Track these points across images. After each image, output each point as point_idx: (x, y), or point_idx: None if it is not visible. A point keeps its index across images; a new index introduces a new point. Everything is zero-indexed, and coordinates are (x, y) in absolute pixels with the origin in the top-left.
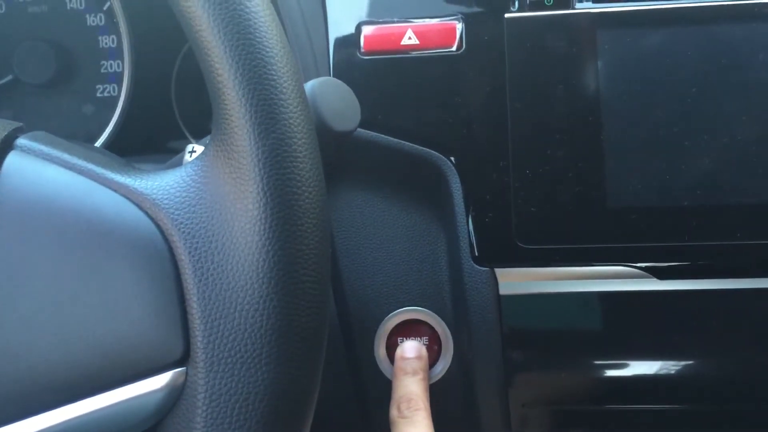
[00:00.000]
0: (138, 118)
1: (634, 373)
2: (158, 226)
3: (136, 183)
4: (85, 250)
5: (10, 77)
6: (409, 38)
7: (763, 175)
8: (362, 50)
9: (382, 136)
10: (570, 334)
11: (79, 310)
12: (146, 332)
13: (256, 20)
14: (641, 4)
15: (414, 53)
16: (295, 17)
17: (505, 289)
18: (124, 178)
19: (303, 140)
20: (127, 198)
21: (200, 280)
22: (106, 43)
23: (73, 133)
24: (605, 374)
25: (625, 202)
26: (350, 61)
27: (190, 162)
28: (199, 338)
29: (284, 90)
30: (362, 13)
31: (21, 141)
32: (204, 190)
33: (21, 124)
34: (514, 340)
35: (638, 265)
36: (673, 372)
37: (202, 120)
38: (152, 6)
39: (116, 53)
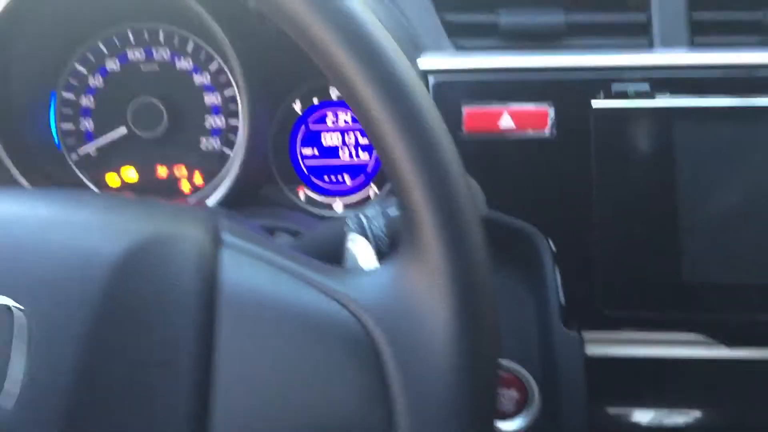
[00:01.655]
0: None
1: None
2: (361, 323)
3: (339, 285)
4: (299, 343)
5: (124, 131)
6: (506, 121)
7: None
8: (464, 130)
9: None
10: (650, 395)
11: (299, 393)
12: (356, 409)
13: (440, 144)
14: (716, 98)
15: (510, 135)
16: None
17: (591, 351)
18: (327, 280)
19: (481, 250)
20: (332, 298)
21: (400, 369)
22: (210, 101)
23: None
24: None
25: (700, 276)
26: (453, 140)
27: (384, 265)
28: (402, 413)
29: (466, 209)
30: (463, 96)
31: (228, 238)
32: (399, 291)
33: (220, 214)
34: (599, 397)
35: (709, 333)
36: None
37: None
38: (258, 65)
39: (219, 110)
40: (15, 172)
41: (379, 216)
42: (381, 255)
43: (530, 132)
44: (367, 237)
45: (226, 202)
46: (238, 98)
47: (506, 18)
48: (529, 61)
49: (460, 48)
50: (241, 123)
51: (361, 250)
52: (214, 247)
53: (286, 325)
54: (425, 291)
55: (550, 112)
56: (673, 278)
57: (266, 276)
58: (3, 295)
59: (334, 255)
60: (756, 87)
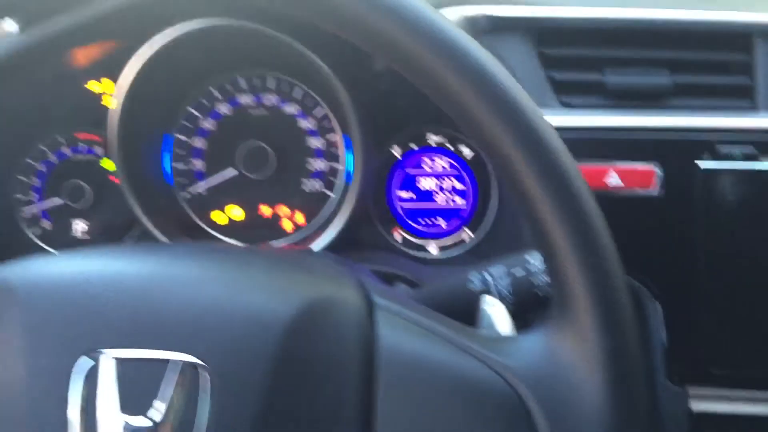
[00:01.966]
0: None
1: None
2: (516, 392)
3: (493, 352)
4: (456, 408)
5: (234, 172)
6: (614, 178)
7: None
8: None
9: None
10: None
11: None
12: None
13: (596, 223)
14: None
15: (617, 192)
16: None
17: (696, 407)
18: (480, 346)
19: (631, 320)
20: (487, 365)
21: None
22: (314, 144)
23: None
24: None
25: None
26: None
27: (534, 332)
28: None
29: (618, 282)
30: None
31: (379, 300)
32: (553, 361)
33: (363, 272)
34: None
35: None
36: None
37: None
38: (366, 112)
39: (322, 153)
40: (138, 212)
41: (504, 276)
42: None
43: (638, 190)
44: (491, 295)
45: (336, 243)
46: (338, 143)
47: (613, 78)
48: (636, 120)
49: (565, 105)
50: (355, 168)
51: (498, 314)
52: (368, 309)
53: (443, 390)
54: (580, 361)
55: (658, 170)
56: None
57: (420, 339)
58: (188, 353)
59: (458, 311)
60: None
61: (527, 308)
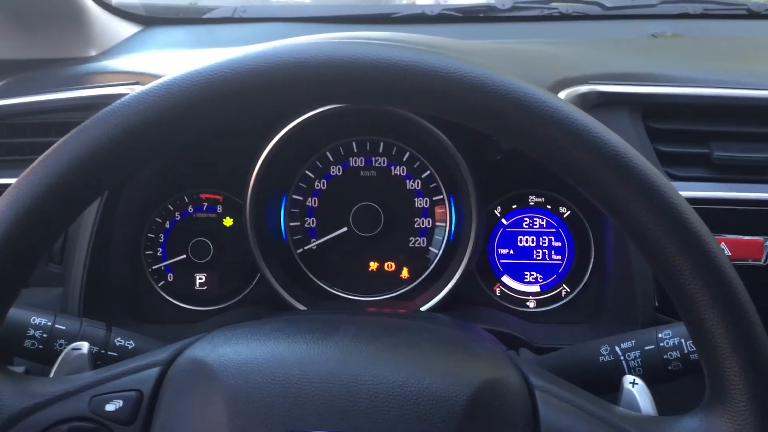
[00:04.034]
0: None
1: None
2: None
3: None
4: None
5: (345, 229)
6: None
7: None
8: None
9: None
10: None
11: None
12: None
13: (749, 312)
14: None
15: None
16: None
17: None
18: (638, 430)
19: None
20: None
21: None
22: (420, 204)
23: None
24: None
25: None
26: None
27: (693, 415)
28: None
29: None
30: None
31: (535, 381)
32: None
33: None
34: None
35: None
36: None
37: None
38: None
39: (427, 212)
40: (261, 265)
41: (635, 352)
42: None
43: (748, 261)
44: (621, 371)
45: (446, 300)
46: (444, 202)
47: (719, 151)
48: (744, 194)
49: (673, 177)
50: (465, 228)
51: (642, 394)
52: (528, 389)
53: None
54: None
55: (765, 242)
56: None
57: (579, 421)
58: None
59: (588, 382)
60: None
61: (657, 383)
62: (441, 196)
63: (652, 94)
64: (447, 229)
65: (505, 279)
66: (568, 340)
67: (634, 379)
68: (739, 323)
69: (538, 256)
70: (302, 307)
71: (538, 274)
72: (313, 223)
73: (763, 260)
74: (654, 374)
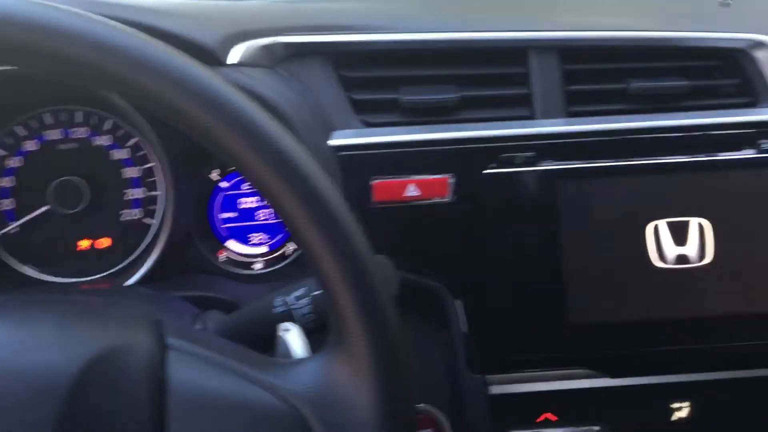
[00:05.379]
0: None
1: None
2: (300, 413)
3: (277, 380)
4: None
5: (46, 207)
6: (411, 190)
7: (683, 298)
8: (373, 200)
9: None
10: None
11: None
12: None
13: (359, 251)
14: (586, 163)
15: (416, 202)
16: None
17: (497, 390)
18: (266, 375)
19: (398, 334)
20: (272, 393)
21: None
22: (129, 174)
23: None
24: None
25: (584, 318)
26: (363, 209)
27: (314, 359)
28: None
29: (381, 299)
30: (371, 169)
31: (172, 341)
32: (329, 381)
33: (159, 319)
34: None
35: (595, 367)
36: None
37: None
38: (176, 142)
39: (139, 182)
40: None
41: (306, 298)
42: (309, 334)
43: (435, 199)
44: (294, 319)
45: (154, 271)
46: (156, 170)
47: (405, 95)
48: (429, 135)
49: (367, 124)
50: (163, 195)
51: (292, 339)
52: (160, 352)
53: (231, 421)
54: (351, 378)
55: (450, 180)
56: (561, 322)
57: (210, 375)
58: None
59: (263, 337)
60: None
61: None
62: (152, 164)
63: (342, 42)
64: (164, 198)
65: (231, 243)
66: None
67: (286, 325)
68: (350, 268)
69: (262, 217)
70: None
71: (264, 235)
72: (11, 205)
73: (448, 197)
74: (326, 318)
